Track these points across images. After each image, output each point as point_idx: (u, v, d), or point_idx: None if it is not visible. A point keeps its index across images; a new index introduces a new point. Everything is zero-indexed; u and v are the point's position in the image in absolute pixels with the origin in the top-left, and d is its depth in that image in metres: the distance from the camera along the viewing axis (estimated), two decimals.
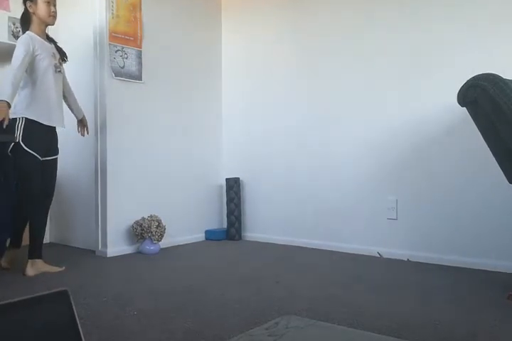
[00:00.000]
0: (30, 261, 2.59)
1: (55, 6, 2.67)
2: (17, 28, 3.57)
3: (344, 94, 3.20)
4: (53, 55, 2.68)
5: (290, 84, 3.50)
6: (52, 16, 2.67)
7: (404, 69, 2.93)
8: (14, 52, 2.51)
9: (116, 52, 3.18)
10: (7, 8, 3.53)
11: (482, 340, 1.56)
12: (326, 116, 3.29)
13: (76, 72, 3.38)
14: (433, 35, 2.81)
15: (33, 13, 2.63)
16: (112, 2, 3.16)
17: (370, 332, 1.33)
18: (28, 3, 2.62)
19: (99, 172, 3.17)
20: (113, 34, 3.16)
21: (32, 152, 2.55)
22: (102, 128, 3.16)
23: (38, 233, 2.67)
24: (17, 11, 3.56)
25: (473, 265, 2.62)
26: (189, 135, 3.66)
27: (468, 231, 2.68)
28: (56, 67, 2.68)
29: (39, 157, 2.59)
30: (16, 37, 3.56)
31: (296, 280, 2.40)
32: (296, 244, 3.38)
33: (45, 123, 2.61)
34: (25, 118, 2.54)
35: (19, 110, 2.56)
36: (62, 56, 2.79)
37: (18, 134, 2.52)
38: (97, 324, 1.73)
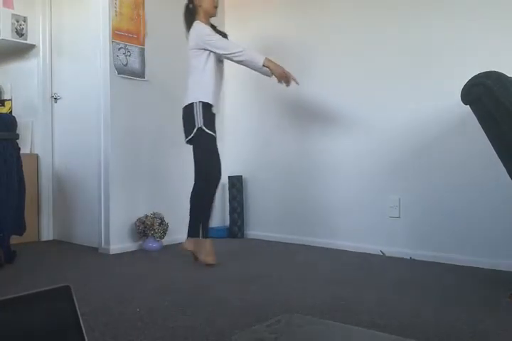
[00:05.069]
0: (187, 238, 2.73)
1: None
2: (20, 25, 3.58)
3: (345, 93, 3.20)
4: None
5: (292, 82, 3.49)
6: (216, 7, 2.78)
7: (405, 69, 2.92)
8: (203, 38, 2.64)
9: (119, 49, 3.18)
10: (11, 6, 3.54)
11: (483, 340, 1.55)
12: (327, 115, 3.29)
13: (79, 70, 3.39)
14: (433, 35, 2.80)
15: (199, 6, 2.73)
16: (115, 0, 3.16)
17: (371, 330, 1.33)
18: None
19: (103, 169, 3.18)
20: (116, 32, 3.16)
21: (212, 133, 2.66)
22: (105, 125, 3.16)
23: (193, 212, 2.73)
24: (20, 8, 3.58)
25: (475, 263, 2.62)
26: None
27: (470, 229, 2.67)
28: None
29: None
30: (20, 34, 3.57)
31: (298, 278, 2.40)
32: (299, 242, 3.38)
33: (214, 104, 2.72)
34: (202, 102, 2.64)
35: (198, 95, 2.65)
36: None
37: (199, 119, 2.62)
38: (100, 320, 1.74)
